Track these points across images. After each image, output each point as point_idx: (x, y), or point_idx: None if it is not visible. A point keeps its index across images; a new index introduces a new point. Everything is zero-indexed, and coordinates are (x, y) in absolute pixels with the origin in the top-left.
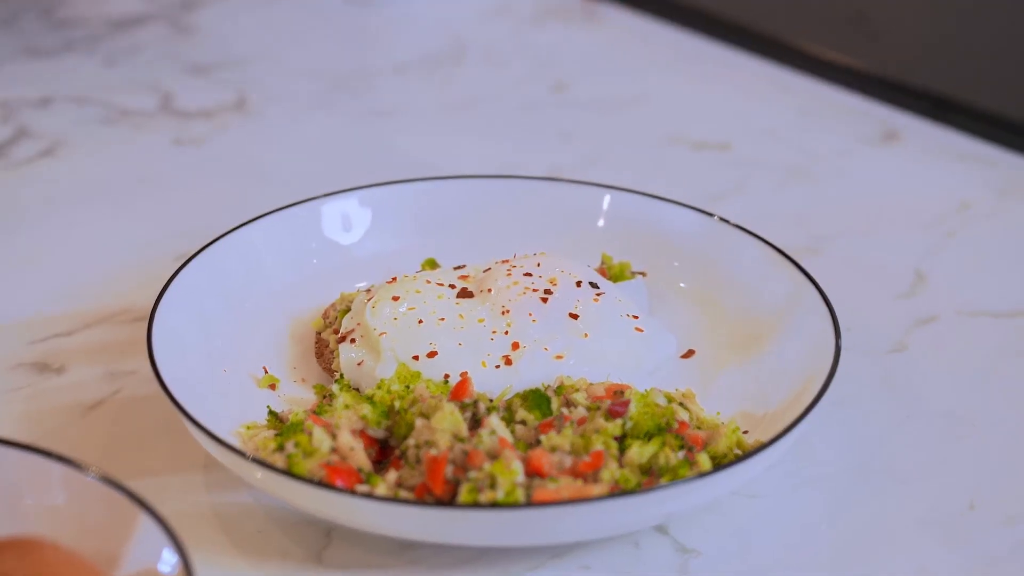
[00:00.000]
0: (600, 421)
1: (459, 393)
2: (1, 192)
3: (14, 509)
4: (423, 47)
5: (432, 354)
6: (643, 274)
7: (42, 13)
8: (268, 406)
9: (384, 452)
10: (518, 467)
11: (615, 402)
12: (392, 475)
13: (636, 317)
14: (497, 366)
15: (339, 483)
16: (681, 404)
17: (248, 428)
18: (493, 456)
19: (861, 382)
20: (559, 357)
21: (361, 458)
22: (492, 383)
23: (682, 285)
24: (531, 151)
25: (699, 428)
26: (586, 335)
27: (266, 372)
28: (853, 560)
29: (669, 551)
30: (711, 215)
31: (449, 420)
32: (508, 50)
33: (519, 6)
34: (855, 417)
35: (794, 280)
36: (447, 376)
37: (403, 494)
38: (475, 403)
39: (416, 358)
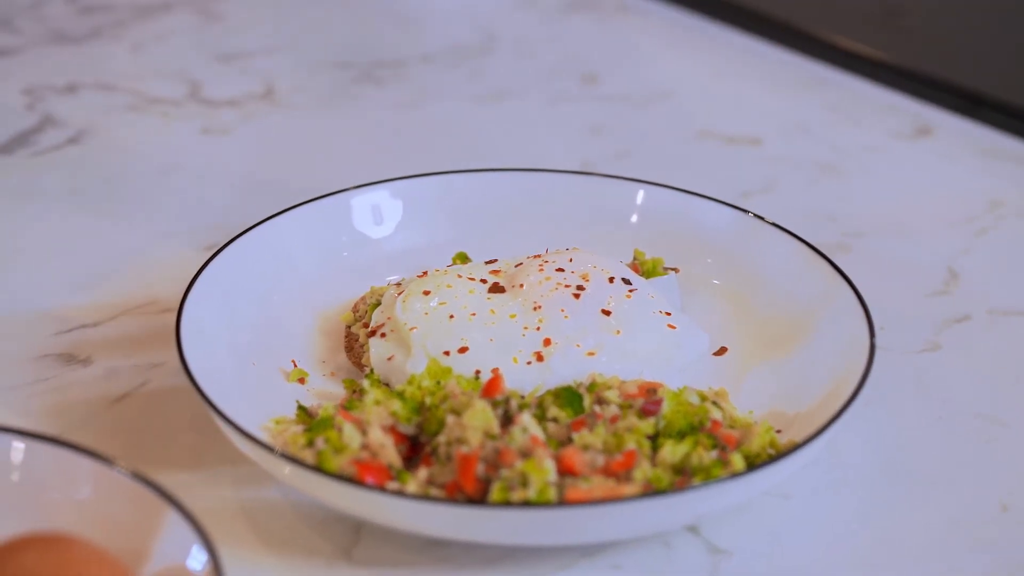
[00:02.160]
0: (633, 419)
1: (491, 390)
2: (27, 180)
3: (39, 503)
4: (452, 37)
5: (463, 349)
6: (675, 270)
7: None
8: (297, 401)
9: (414, 449)
10: (550, 466)
11: (648, 400)
12: (423, 472)
13: (668, 314)
14: (529, 362)
15: (369, 480)
16: (714, 403)
17: (277, 423)
18: (525, 454)
19: (893, 381)
20: (591, 354)
21: (391, 455)
22: (523, 380)
23: (715, 282)
24: (561, 144)
25: (732, 427)
26: (618, 332)
27: (295, 366)
28: (884, 561)
29: (701, 551)
30: (746, 212)
31: (480, 417)
32: (537, 41)
33: None
34: (887, 417)
35: (828, 278)
36: (478, 372)
37: (434, 492)
38: (507, 400)
39: (447, 353)
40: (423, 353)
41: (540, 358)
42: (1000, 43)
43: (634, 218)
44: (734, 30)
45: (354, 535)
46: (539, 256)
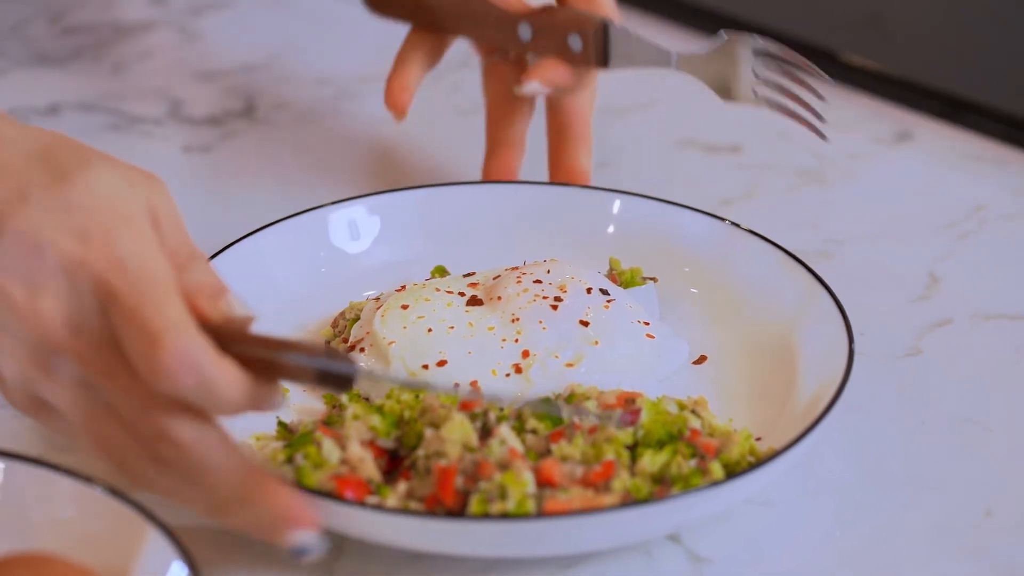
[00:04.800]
0: (611, 430)
1: (469, 403)
2: None
3: (22, 524)
4: None
5: (442, 363)
6: (654, 280)
7: (50, 20)
8: (278, 417)
9: (394, 463)
10: (529, 477)
11: (626, 410)
12: (402, 486)
13: (647, 324)
14: (507, 375)
15: (348, 495)
16: (693, 412)
17: (257, 439)
18: (504, 466)
19: (875, 387)
20: (570, 365)
21: (371, 469)
22: (503, 392)
23: (693, 291)
24: (540, 156)
25: (711, 436)
26: (596, 342)
27: None
28: (867, 569)
29: (682, 560)
30: (723, 219)
31: (459, 430)
32: None
33: None
34: (869, 423)
35: (806, 284)
36: (457, 385)
37: (413, 505)
38: (485, 413)
39: (426, 367)
40: (402, 367)
41: (519, 370)
42: (981, 48)
43: (611, 228)
44: (712, 38)
45: (336, 551)
46: (517, 268)
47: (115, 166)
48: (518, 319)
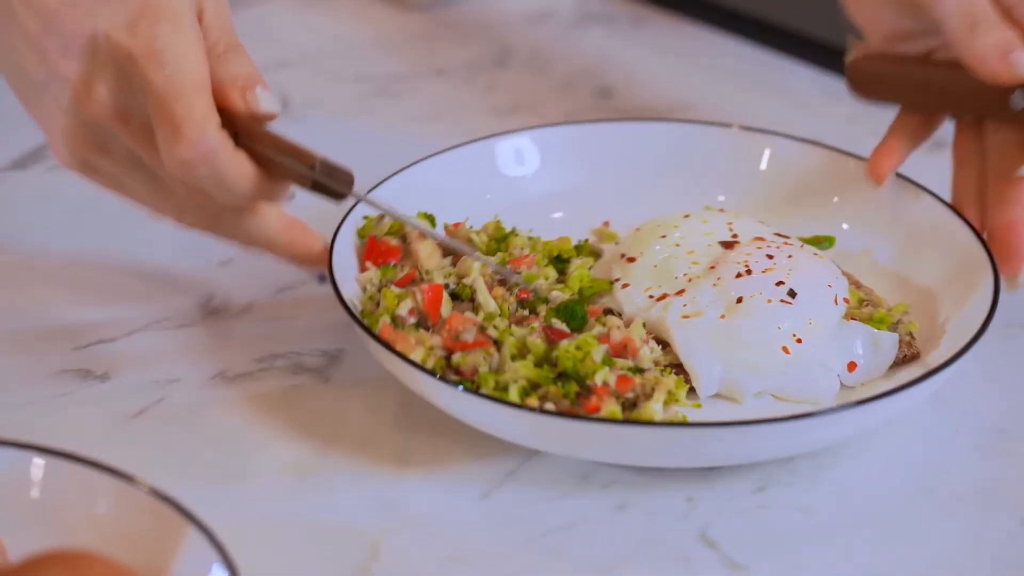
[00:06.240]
0: (533, 337)
1: (515, 265)
2: (42, 196)
3: (59, 520)
4: (466, 51)
5: (631, 259)
6: (911, 335)
7: None
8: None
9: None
10: (405, 307)
11: (553, 328)
12: (400, 272)
13: (800, 341)
14: (651, 296)
15: (373, 253)
16: (657, 389)
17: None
18: (421, 295)
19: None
20: (685, 316)
21: (425, 259)
22: (636, 308)
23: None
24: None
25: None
26: (723, 316)
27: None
28: None
29: (718, 565)
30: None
31: (467, 264)
32: (552, 55)
33: (562, 9)
34: (904, 432)
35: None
36: (616, 279)
37: (385, 289)
38: (515, 283)
39: (623, 256)
40: (612, 249)
41: (661, 298)
42: None
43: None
44: (749, 43)
45: (374, 551)
46: (789, 242)
47: None
48: (713, 268)
